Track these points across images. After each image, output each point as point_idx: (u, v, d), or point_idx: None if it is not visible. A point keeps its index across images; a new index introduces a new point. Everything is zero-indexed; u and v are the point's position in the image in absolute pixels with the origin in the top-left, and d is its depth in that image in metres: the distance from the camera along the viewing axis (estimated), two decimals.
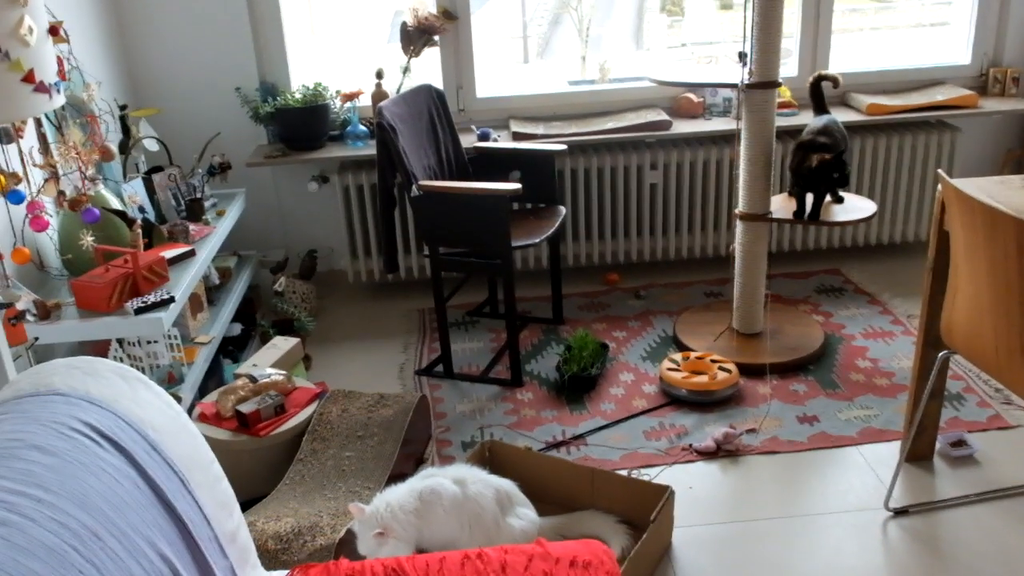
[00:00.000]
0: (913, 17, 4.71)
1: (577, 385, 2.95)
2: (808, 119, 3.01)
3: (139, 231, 2.67)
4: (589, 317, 3.52)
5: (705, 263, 3.92)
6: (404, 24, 3.56)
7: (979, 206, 1.85)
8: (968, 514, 2.29)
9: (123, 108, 3.23)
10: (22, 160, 2.11)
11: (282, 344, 2.88)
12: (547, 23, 4.69)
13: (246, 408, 2.43)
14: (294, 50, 3.68)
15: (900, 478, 2.43)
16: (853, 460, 2.53)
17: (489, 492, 2.08)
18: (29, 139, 2.29)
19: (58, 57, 1.88)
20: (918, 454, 2.49)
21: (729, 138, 3.62)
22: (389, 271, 3.29)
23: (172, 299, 2.44)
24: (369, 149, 3.48)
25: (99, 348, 2.62)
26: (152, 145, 3.22)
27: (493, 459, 2.42)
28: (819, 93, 3.00)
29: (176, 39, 3.52)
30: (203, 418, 2.50)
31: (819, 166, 2.79)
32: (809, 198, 2.93)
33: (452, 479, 2.08)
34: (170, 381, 2.64)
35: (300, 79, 3.66)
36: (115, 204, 2.70)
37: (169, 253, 2.70)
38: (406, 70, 3.62)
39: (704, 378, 2.84)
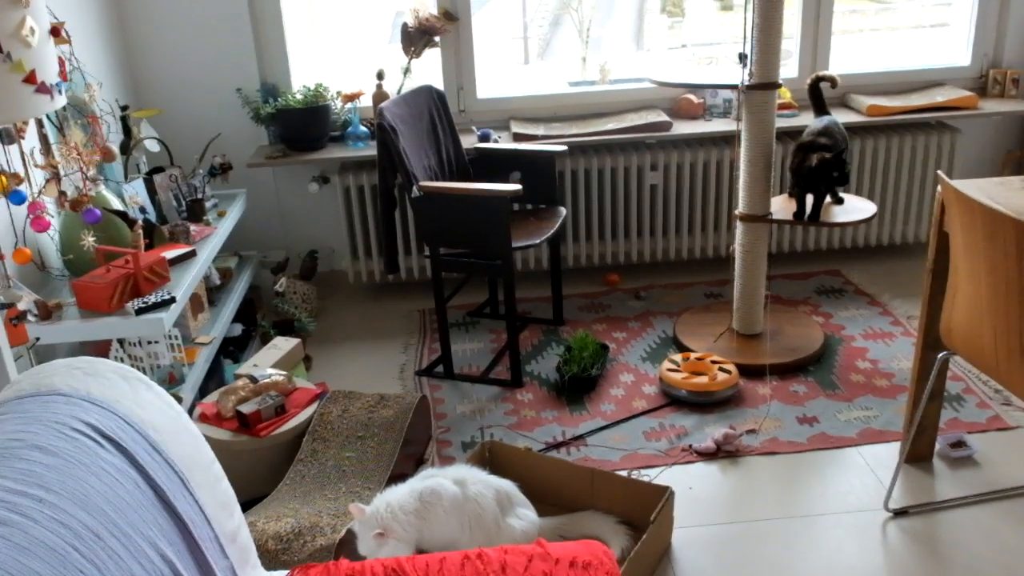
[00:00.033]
0: (913, 18, 4.72)
1: (577, 386, 2.95)
2: (808, 120, 3.01)
3: (140, 232, 2.67)
4: (589, 318, 3.52)
5: (705, 264, 3.92)
6: (405, 25, 3.56)
7: (979, 207, 1.85)
8: (968, 515, 2.29)
9: (124, 109, 3.23)
10: (23, 161, 2.12)
11: (283, 344, 2.88)
12: (547, 24, 4.69)
13: (247, 408, 2.43)
14: (295, 51, 3.68)
15: (900, 479, 2.43)
16: (853, 461, 2.53)
17: (489, 493, 2.08)
18: (30, 140, 2.29)
19: (59, 58, 1.88)
20: (918, 455, 2.49)
21: (729, 139, 3.62)
22: (390, 272, 3.29)
23: (173, 299, 2.44)
24: (370, 150, 3.48)
25: (100, 348, 2.62)
26: (153, 146, 3.22)
27: (493, 460, 2.42)
28: (818, 94, 3.01)
29: (177, 40, 3.53)
30: (204, 418, 2.50)
31: (819, 165, 2.79)
32: (809, 199, 2.94)
33: (452, 480, 2.08)
34: (171, 381, 2.65)
35: (301, 80, 3.66)
36: (116, 205, 2.70)
37: (170, 254, 2.71)
38: (407, 71, 3.62)
39: (704, 379, 2.84)
